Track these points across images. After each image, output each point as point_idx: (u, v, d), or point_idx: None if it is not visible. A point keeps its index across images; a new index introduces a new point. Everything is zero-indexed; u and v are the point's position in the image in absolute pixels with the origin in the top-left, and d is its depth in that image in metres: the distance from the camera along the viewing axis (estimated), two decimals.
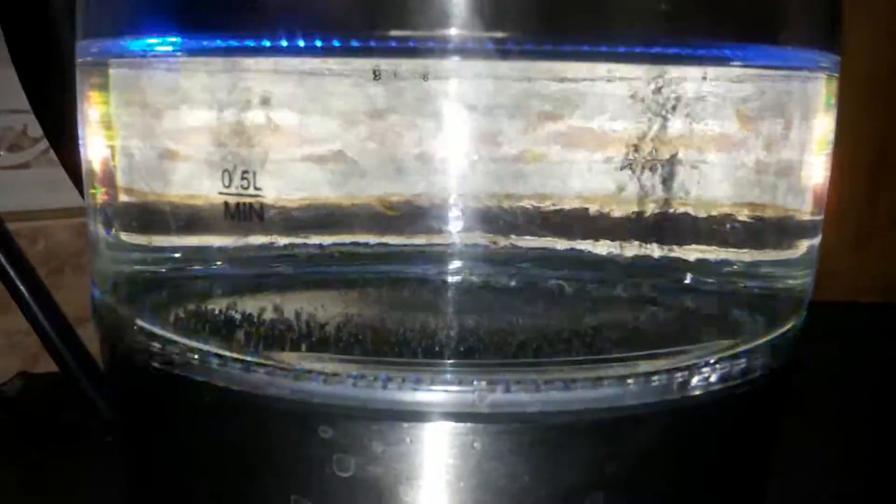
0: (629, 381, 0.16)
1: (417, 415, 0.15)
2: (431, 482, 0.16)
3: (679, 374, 0.17)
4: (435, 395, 0.16)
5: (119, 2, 0.18)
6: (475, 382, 0.16)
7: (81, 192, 0.21)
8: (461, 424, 0.15)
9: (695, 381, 0.17)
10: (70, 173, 0.27)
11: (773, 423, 0.19)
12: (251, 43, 0.17)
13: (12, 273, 0.25)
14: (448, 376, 0.16)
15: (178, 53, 0.18)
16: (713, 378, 0.17)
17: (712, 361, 0.17)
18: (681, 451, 0.17)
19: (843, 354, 0.31)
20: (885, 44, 0.41)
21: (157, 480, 0.19)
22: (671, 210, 0.18)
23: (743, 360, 0.17)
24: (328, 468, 0.15)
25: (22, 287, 0.25)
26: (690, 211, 0.18)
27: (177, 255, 0.19)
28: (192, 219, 0.18)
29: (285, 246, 0.18)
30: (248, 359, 0.16)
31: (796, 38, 0.18)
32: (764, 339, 0.18)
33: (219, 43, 0.17)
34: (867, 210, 0.41)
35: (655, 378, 0.16)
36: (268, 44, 0.16)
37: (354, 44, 0.16)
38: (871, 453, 0.25)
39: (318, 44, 0.16)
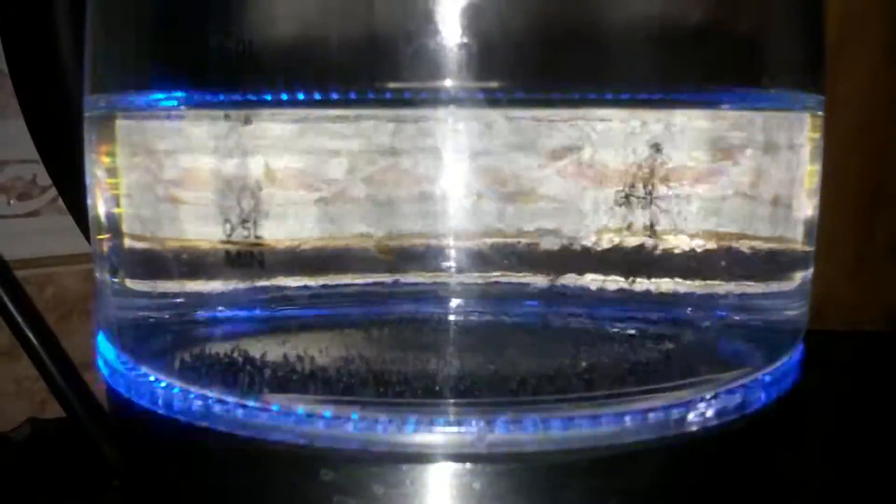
0: (626, 417, 0.16)
1: (417, 456, 0.16)
2: None
3: (676, 410, 0.17)
4: (434, 435, 0.16)
5: (125, 59, 0.19)
6: (474, 422, 0.16)
7: (89, 239, 0.22)
8: (460, 465, 0.16)
9: (692, 416, 0.17)
10: (77, 221, 0.28)
11: (772, 456, 0.19)
12: (253, 96, 0.17)
13: (20, 320, 0.26)
14: (447, 416, 0.16)
15: (182, 107, 0.18)
16: (710, 413, 0.17)
17: (709, 396, 0.17)
18: (680, 487, 0.17)
19: (845, 384, 0.31)
20: (882, 71, 0.41)
21: None
22: (665, 246, 0.18)
23: (739, 394, 0.18)
24: None
25: (30, 334, 0.26)
26: (684, 246, 0.18)
27: (180, 300, 0.19)
28: (194, 265, 0.19)
29: (286, 289, 0.19)
30: (250, 403, 0.17)
31: (783, 81, 0.19)
32: (760, 373, 0.18)
33: (222, 97, 0.17)
34: (865, 238, 0.41)
35: (652, 414, 0.16)
36: (269, 97, 0.17)
37: (352, 95, 0.16)
38: (872, 485, 0.25)
39: (318, 96, 0.17)
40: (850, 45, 0.39)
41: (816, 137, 0.20)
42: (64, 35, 0.25)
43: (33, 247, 0.33)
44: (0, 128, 0.32)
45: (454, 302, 0.18)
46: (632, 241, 0.18)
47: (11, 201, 0.33)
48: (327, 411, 0.16)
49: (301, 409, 0.16)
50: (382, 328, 0.20)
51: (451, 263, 0.17)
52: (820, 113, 0.20)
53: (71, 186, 0.28)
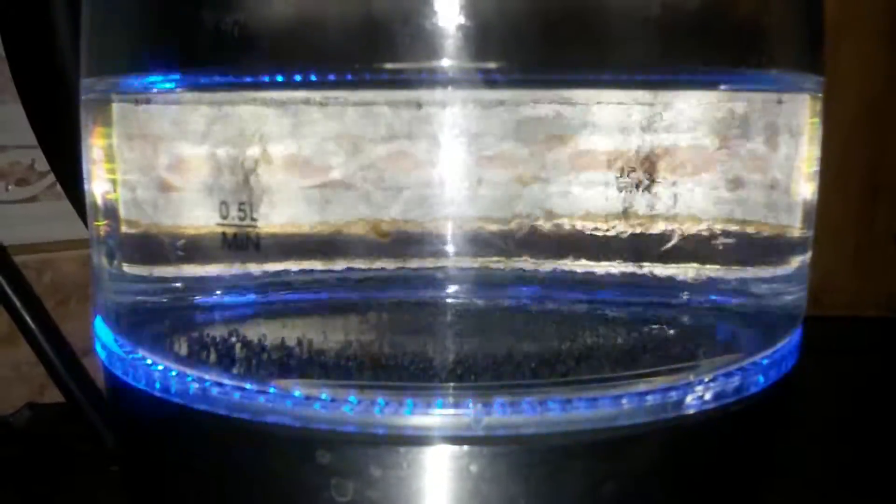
0: (624, 400, 0.16)
1: (414, 439, 0.16)
2: None
3: (674, 393, 0.17)
4: (431, 418, 0.16)
5: (121, 42, 0.19)
6: (471, 405, 0.16)
7: (87, 224, 0.22)
8: (457, 448, 0.16)
9: (689, 399, 0.17)
10: (75, 206, 0.28)
11: (770, 439, 0.19)
12: (249, 78, 0.17)
13: (19, 305, 0.26)
14: (444, 399, 0.16)
15: (178, 90, 0.18)
16: (708, 396, 0.17)
17: (706, 379, 0.17)
18: (677, 470, 0.17)
19: (844, 369, 0.31)
20: (880, 58, 0.41)
21: None
22: (663, 229, 0.18)
23: (737, 378, 0.18)
24: (326, 493, 0.16)
25: (28, 318, 0.26)
26: (682, 229, 0.18)
27: (177, 284, 0.19)
28: (191, 249, 0.19)
29: (283, 273, 0.19)
30: (248, 386, 0.17)
31: (782, 63, 0.18)
32: (758, 356, 0.18)
33: (217, 79, 0.17)
34: (865, 225, 0.41)
35: (650, 397, 0.16)
36: (265, 79, 0.17)
37: (349, 77, 0.16)
38: (871, 469, 0.25)
39: (314, 78, 0.17)
40: (851, 29, 0.39)
41: (815, 120, 0.20)
42: (61, 18, 0.25)
43: (32, 232, 0.33)
44: None
45: (452, 286, 0.18)
46: (630, 225, 0.18)
47: (10, 187, 0.33)
48: (325, 394, 0.16)
49: (298, 391, 0.16)
50: (380, 312, 0.20)
51: (450, 247, 0.17)
52: (819, 95, 0.20)
53: (68, 171, 0.28)
